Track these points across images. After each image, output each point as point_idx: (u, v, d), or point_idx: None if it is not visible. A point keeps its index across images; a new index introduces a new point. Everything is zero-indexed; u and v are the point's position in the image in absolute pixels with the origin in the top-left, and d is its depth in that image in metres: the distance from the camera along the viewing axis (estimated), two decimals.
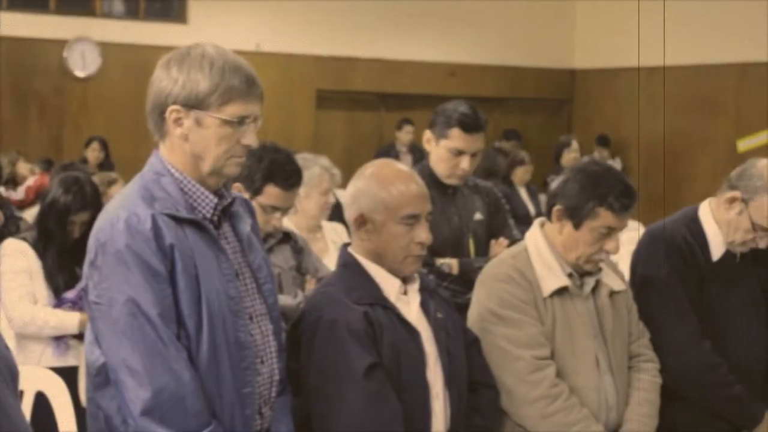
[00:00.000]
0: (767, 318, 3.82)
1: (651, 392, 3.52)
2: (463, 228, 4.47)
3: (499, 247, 4.41)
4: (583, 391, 3.36)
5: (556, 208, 3.42)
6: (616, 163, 14.93)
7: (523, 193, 9.82)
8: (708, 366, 3.65)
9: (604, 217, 3.35)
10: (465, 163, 4.38)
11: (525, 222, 6.41)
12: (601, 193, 3.34)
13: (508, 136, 14.02)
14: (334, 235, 5.07)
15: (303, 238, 4.39)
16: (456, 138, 4.36)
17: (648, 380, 3.53)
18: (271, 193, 3.93)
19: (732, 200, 3.71)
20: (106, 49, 12.47)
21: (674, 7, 14.39)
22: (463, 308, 3.56)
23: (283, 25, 13.18)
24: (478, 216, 4.53)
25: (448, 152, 4.39)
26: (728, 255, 3.76)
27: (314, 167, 4.87)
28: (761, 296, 3.82)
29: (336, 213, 4.99)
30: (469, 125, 4.36)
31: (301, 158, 4.67)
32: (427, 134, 4.47)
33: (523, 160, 9.89)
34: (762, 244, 3.72)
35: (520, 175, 9.79)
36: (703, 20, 14.26)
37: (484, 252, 4.46)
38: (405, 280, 3.14)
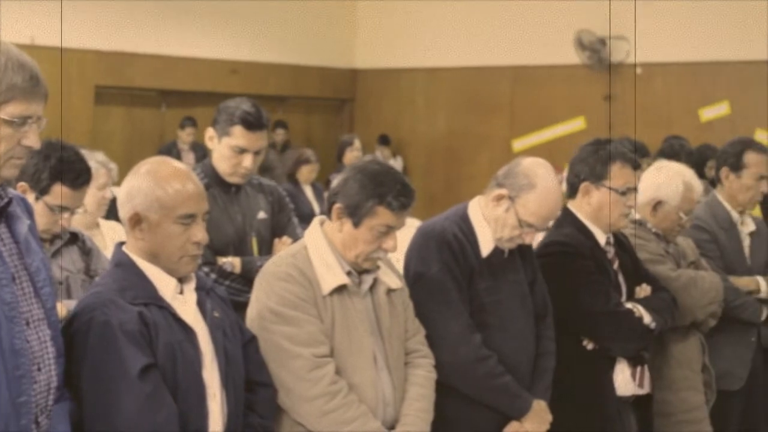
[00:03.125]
0: (534, 311, 3.98)
1: (426, 387, 3.59)
2: (246, 227, 4.46)
3: (282, 245, 4.41)
4: (361, 388, 3.41)
5: (336, 206, 3.45)
6: (397, 162, 15.21)
7: (309, 192, 9.88)
8: (477, 359, 3.75)
9: (383, 215, 3.41)
10: (248, 161, 4.37)
11: (310, 221, 6.45)
12: (380, 192, 3.39)
13: (273, 127, 14.19)
14: (112, 233, 4.97)
15: (90, 238, 4.28)
16: (238, 136, 4.35)
17: (423, 375, 3.61)
18: (59, 193, 3.83)
19: (499, 198, 3.84)
20: None
21: (452, 9, 14.79)
22: (245, 307, 3.55)
23: (60, 18, 12.79)
24: (261, 215, 4.53)
25: (230, 150, 4.36)
26: (497, 251, 3.89)
27: (90, 162, 4.77)
28: (528, 290, 3.97)
29: (112, 211, 4.90)
30: (251, 123, 4.35)
31: None
32: (210, 132, 4.44)
33: (308, 159, 9.94)
34: (528, 240, 3.87)
35: (306, 173, 9.84)
36: (479, 23, 14.68)
37: (267, 251, 4.46)
38: (181, 280, 3.11)
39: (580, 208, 4.25)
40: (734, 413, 5.06)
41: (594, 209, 4.26)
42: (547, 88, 14.36)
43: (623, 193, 4.23)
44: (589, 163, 4.26)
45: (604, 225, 4.28)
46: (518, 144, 14.45)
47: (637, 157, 7.31)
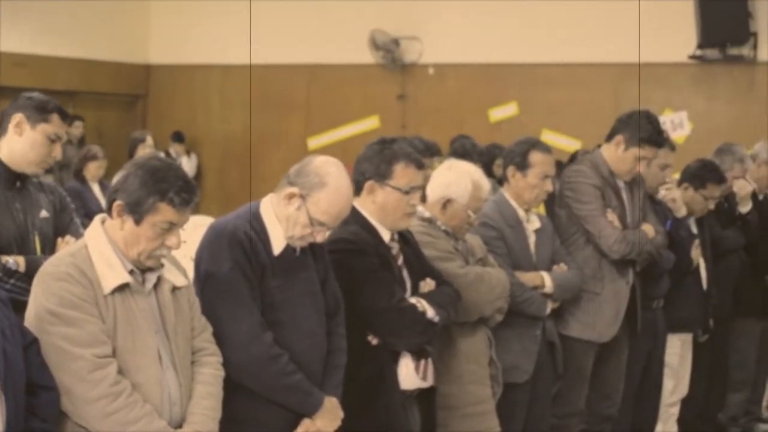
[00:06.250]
0: (325, 309, 4.00)
1: (214, 385, 3.56)
2: (29, 225, 4.36)
3: (65, 245, 4.32)
4: (145, 387, 3.35)
5: (117, 203, 3.38)
6: (192, 160, 15.04)
7: (97, 189, 9.65)
8: (269, 357, 3.74)
9: (165, 212, 3.35)
10: (57, 150, 4.40)
11: None
12: (161, 188, 3.34)
13: (69, 121, 13.84)
14: None
15: None
16: (57, 124, 4.38)
17: (210, 374, 3.57)
18: None
19: (290, 196, 3.84)
20: None
21: (247, 6, 14.70)
22: None
23: None
24: (43, 213, 4.44)
25: (47, 138, 4.36)
26: (288, 249, 3.89)
27: None
28: (319, 288, 3.99)
29: None
30: (66, 114, 4.44)
31: None
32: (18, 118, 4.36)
33: (95, 156, 9.71)
34: (319, 239, 3.88)
35: (93, 170, 9.61)
36: (274, 21, 14.67)
37: (50, 250, 4.36)
38: None
39: (365, 205, 4.30)
40: (520, 405, 5.22)
41: (378, 207, 4.31)
42: (342, 87, 14.49)
43: (407, 192, 4.29)
44: (373, 162, 4.31)
45: (389, 223, 4.34)
46: (313, 142, 14.53)
47: (429, 156, 7.53)
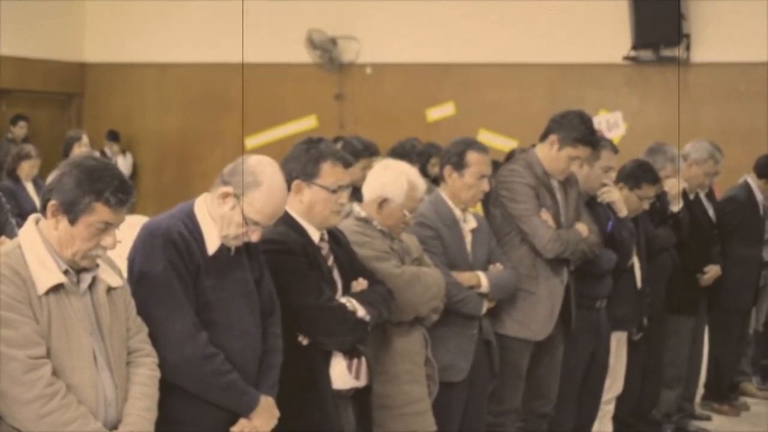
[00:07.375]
0: (260, 308, 3.98)
1: (149, 386, 3.54)
2: None
3: (0, 245, 4.26)
4: (80, 389, 3.32)
5: (51, 203, 3.34)
6: (127, 159, 14.91)
7: (31, 189, 9.54)
8: (203, 356, 3.72)
9: (101, 212, 3.32)
10: None
11: None
12: (97, 188, 3.31)
13: (14, 121, 13.68)
14: None
15: None
16: None
17: (146, 374, 3.55)
18: None
19: (225, 195, 3.83)
20: None
21: (182, 5, 14.63)
22: None
23: None
24: None
25: None
26: (223, 249, 3.87)
27: None
28: (254, 287, 3.97)
29: None
30: None
31: None
32: None
33: (29, 154, 9.61)
34: (254, 238, 3.88)
35: (27, 169, 9.51)
36: (210, 19, 14.60)
37: None
38: None
39: (292, 205, 4.29)
40: (457, 404, 5.24)
41: (306, 207, 4.31)
42: (279, 87, 14.46)
43: (334, 191, 4.29)
44: (300, 162, 4.31)
45: (317, 222, 4.34)
46: (251, 142, 14.48)
47: (367, 155, 7.54)
